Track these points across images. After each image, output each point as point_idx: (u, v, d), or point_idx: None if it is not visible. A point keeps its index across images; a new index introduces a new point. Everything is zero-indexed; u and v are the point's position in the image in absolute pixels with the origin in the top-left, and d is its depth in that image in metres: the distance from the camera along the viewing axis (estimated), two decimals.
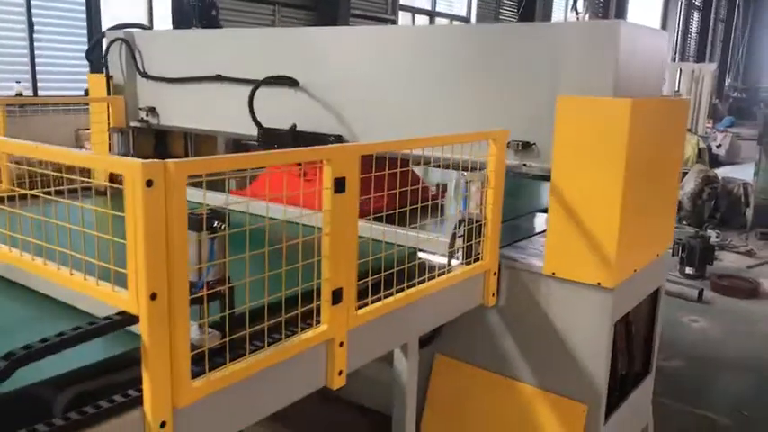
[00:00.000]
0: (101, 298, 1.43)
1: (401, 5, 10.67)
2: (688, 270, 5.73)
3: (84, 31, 6.25)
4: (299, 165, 2.85)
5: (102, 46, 3.99)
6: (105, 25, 6.38)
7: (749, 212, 7.61)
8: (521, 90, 2.61)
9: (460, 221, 2.40)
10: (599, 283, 2.38)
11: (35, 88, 5.86)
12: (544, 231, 2.63)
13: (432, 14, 11.73)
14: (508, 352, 2.67)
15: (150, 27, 4.05)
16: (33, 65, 5.87)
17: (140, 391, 1.39)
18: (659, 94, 2.94)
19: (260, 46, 3.45)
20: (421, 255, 2.43)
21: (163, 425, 1.40)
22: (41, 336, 1.32)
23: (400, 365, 2.32)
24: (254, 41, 3.52)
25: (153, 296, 1.33)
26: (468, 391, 2.78)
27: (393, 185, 2.04)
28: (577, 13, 17.17)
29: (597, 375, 2.48)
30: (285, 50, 3.34)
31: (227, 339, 1.51)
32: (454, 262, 2.39)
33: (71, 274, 1.51)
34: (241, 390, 1.58)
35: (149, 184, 1.29)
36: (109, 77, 3.94)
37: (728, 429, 3.31)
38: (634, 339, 2.88)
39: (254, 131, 3.28)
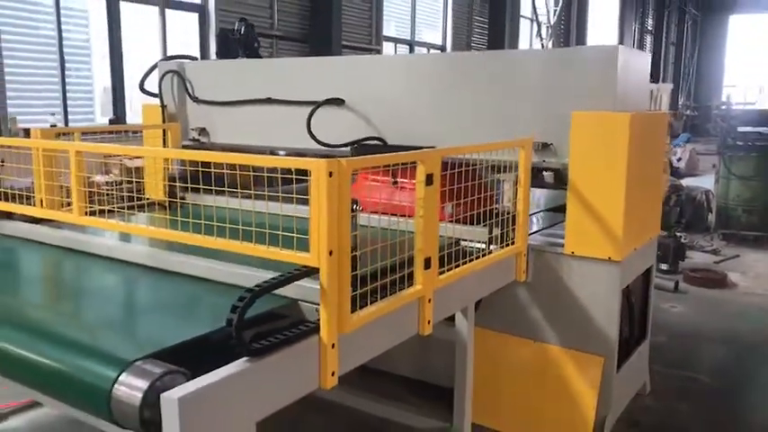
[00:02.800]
0: (289, 259, 1.99)
1: (384, 36, 11.44)
2: (663, 266, 6.45)
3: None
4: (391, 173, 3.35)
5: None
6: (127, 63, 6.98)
7: (711, 217, 8.45)
8: (539, 103, 3.24)
9: (497, 213, 3.03)
10: (609, 258, 3.03)
11: (66, 120, 6.36)
12: (556, 224, 3.29)
13: (411, 44, 12.52)
14: (536, 320, 3.29)
15: (196, 58, 4.62)
16: (65, 98, 6.38)
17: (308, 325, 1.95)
18: (646, 108, 3.63)
19: (295, 71, 4.07)
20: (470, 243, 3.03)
21: (333, 346, 1.97)
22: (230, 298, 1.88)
23: (462, 326, 2.92)
24: (292, 68, 4.14)
25: (330, 253, 1.91)
26: (504, 355, 3.39)
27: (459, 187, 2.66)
28: (542, 39, 18.27)
29: (611, 332, 3.12)
30: (318, 75, 3.95)
31: (368, 288, 2.10)
32: (493, 246, 3.01)
33: (267, 248, 2.06)
34: (373, 327, 2.15)
35: (330, 174, 1.88)
36: (163, 106, 4.49)
37: (709, 384, 3.99)
38: (634, 308, 3.53)
39: (294, 145, 3.89)
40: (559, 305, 3.22)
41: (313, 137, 3.70)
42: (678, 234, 6.76)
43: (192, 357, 1.79)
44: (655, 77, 27.00)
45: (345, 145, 3.65)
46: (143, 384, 1.66)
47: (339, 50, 9.62)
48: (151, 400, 1.63)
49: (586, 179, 3.03)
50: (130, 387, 1.66)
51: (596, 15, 21.85)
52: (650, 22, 28.48)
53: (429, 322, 2.46)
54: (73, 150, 2.53)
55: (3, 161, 3.01)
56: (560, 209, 3.37)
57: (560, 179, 3.32)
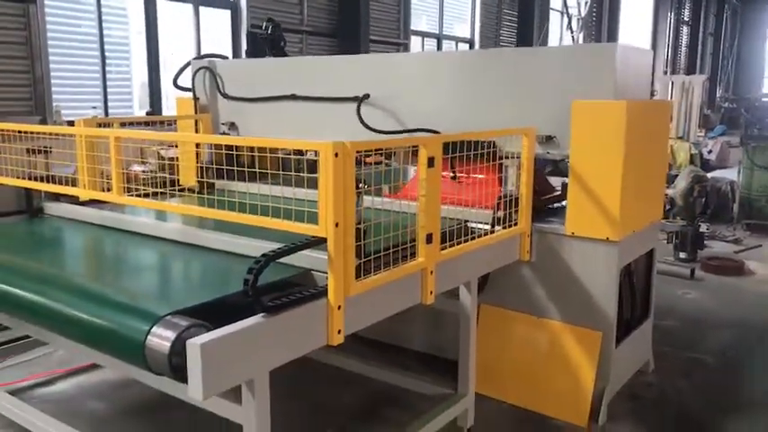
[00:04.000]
0: (301, 231, 2.24)
1: (412, 30, 11.64)
2: (681, 255, 6.54)
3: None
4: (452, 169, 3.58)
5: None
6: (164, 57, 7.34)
7: (736, 207, 8.47)
8: (544, 97, 3.44)
9: (501, 196, 3.24)
10: (607, 238, 3.22)
11: (106, 113, 6.74)
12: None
13: (440, 38, 12.69)
14: (539, 296, 3.49)
15: (226, 57, 4.91)
16: (105, 92, 6.77)
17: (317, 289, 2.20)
18: (647, 98, 3.79)
19: (318, 69, 4.32)
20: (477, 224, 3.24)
21: (339, 307, 2.22)
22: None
23: (465, 300, 3.14)
24: (315, 66, 4.40)
25: (336, 224, 2.15)
26: (508, 330, 3.60)
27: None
28: (572, 32, 18.21)
29: (609, 308, 3.31)
30: (342, 73, 4.20)
31: (371, 258, 2.34)
32: (497, 227, 3.22)
33: (282, 221, 2.32)
34: (377, 293, 2.39)
35: (336, 155, 2.12)
36: (196, 99, 4.80)
37: (712, 365, 4.13)
38: (635, 288, 3.70)
39: (314, 137, 4.12)
40: (561, 283, 3.41)
41: (364, 124, 3.86)
42: (699, 223, 6.83)
43: (213, 316, 2.05)
44: (691, 69, 26.58)
45: (392, 133, 3.83)
46: (171, 335, 1.93)
47: (367, 45, 9.86)
48: (178, 348, 1.91)
49: (585, 164, 3.22)
50: (161, 337, 1.94)
51: (629, 6, 21.62)
52: (686, 12, 28.00)
53: (431, 293, 2.68)
54: (112, 137, 2.82)
55: (50, 149, 3.33)
56: None
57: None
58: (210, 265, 2.74)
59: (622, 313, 3.52)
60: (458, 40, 13.36)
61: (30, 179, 3.21)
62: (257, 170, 2.52)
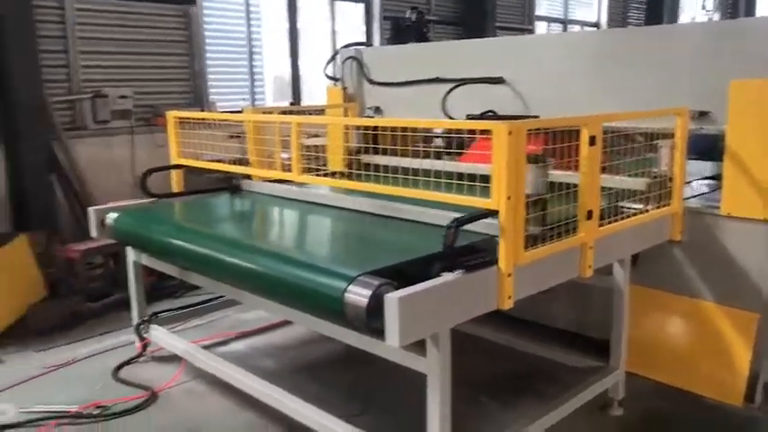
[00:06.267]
0: (476, 204, 2.45)
1: (537, 16, 11.53)
2: None
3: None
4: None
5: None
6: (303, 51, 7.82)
7: None
8: (697, 75, 3.44)
9: (655, 176, 3.28)
10: (765, 219, 3.18)
11: (252, 104, 7.30)
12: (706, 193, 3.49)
13: (564, 22, 12.47)
14: (691, 277, 3.50)
15: (372, 45, 5.22)
16: (253, 85, 7.34)
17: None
18: None
19: (459, 53, 4.51)
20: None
21: (509, 275, 2.41)
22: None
23: (618, 276, 3.23)
24: (455, 50, 4.59)
25: (508, 198, 2.34)
26: (660, 310, 3.62)
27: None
28: (706, 11, 17.17)
29: (766, 289, 3.27)
30: (482, 56, 4.36)
31: (542, 229, 2.50)
32: (650, 206, 3.27)
33: (462, 195, 2.55)
34: (542, 264, 2.55)
35: (510, 133, 2.30)
36: (344, 88, 5.14)
37: None
38: None
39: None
40: (715, 264, 3.40)
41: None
42: None
43: (395, 278, 2.30)
44: None
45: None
46: (367, 292, 2.20)
47: (493, 32, 9.91)
48: (373, 304, 2.17)
49: (744, 143, 3.19)
50: (357, 294, 2.22)
51: None
52: None
53: (590, 267, 2.81)
54: (295, 122, 3.17)
55: (239, 135, 3.80)
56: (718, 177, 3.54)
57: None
58: (389, 234, 3.06)
59: None
60: (583, 24, 13.05)
61: (229, 163, 3.77)
62: (437, 149, 2.76)
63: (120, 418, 3.30)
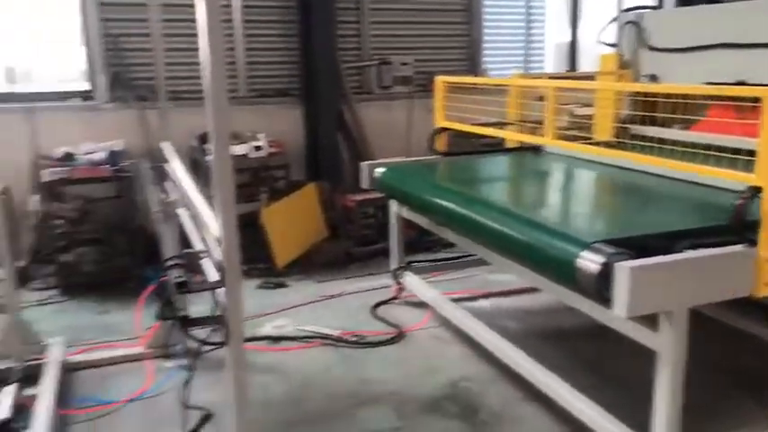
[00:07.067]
0: (738, 179, 2.25)
1: None
2: None
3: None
4: None
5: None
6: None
7: None
8: None
9: None
10: None
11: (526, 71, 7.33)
12: None
13: None
14: None
15: (657, 7, 4.87)
16: (527, 53, 7.37)
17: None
18: None
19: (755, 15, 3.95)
20: None
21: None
22: None
23: None
24: (751, 12, 4.03)
25: None
26: None
27: None
28: None
29: None
30: None
31: None
32: None
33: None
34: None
35: None
36: (620, 55, 4.89)
37: None
38: None
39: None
40: None
41: None
42: None
43: (635, 249, 2.22)
44: None
45: None
46: (600, 259, 2.18)
47: None
48: (605, 271, 2.15)
49: None
50: (590, 261, 2.21)
51: None
52: None
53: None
54: (551, 87, 3.20)
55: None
56: None
57: None
58: (637, 204, 3.01)
59: None
60: None
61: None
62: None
63: (373, 348, 3.74)
